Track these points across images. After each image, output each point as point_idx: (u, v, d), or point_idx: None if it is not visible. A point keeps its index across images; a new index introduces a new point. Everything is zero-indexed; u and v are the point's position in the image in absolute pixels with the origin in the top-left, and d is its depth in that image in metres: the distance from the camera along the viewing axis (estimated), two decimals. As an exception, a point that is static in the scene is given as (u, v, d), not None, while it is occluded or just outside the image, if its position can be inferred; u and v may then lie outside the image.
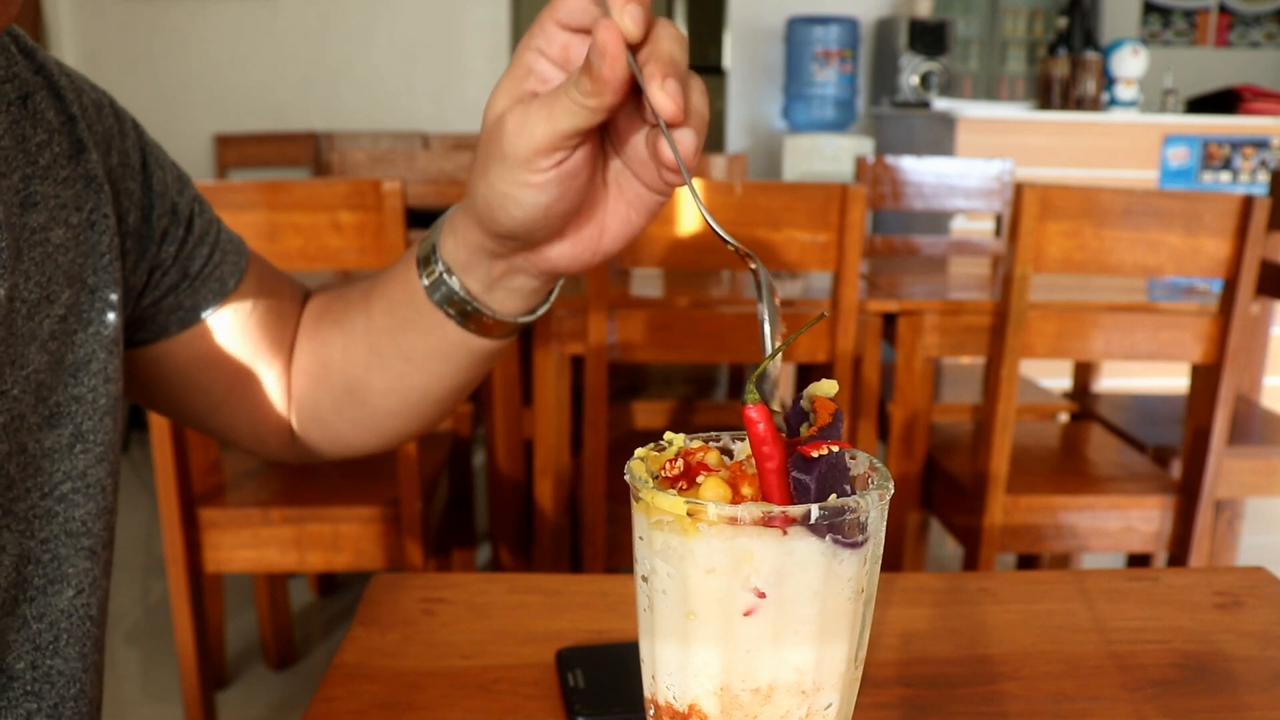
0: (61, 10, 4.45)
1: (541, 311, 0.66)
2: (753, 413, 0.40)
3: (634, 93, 0.48)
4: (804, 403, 0.42)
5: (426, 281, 0.63)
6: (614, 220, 0.57)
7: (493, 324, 0.64)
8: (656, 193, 0.55)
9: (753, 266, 0.45)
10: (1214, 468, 1.76)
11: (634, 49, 0.47)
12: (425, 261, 0.63)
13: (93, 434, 0.61)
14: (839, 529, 0.38)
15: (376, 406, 0.72)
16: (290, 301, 0.76)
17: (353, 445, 0.76)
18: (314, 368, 0.73)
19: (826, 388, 0.42)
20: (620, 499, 1.78)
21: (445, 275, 0.62)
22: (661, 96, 0.46)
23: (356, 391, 0.71)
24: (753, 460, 0.40)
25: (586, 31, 0.50)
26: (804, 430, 0.41)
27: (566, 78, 0.49)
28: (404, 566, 1.76)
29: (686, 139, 0.47)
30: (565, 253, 0.58)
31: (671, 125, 0.47)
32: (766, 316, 0.45)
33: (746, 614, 0.38)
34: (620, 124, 0.53)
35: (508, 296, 0.63)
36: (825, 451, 0.39)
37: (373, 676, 0.66)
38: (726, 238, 0.46)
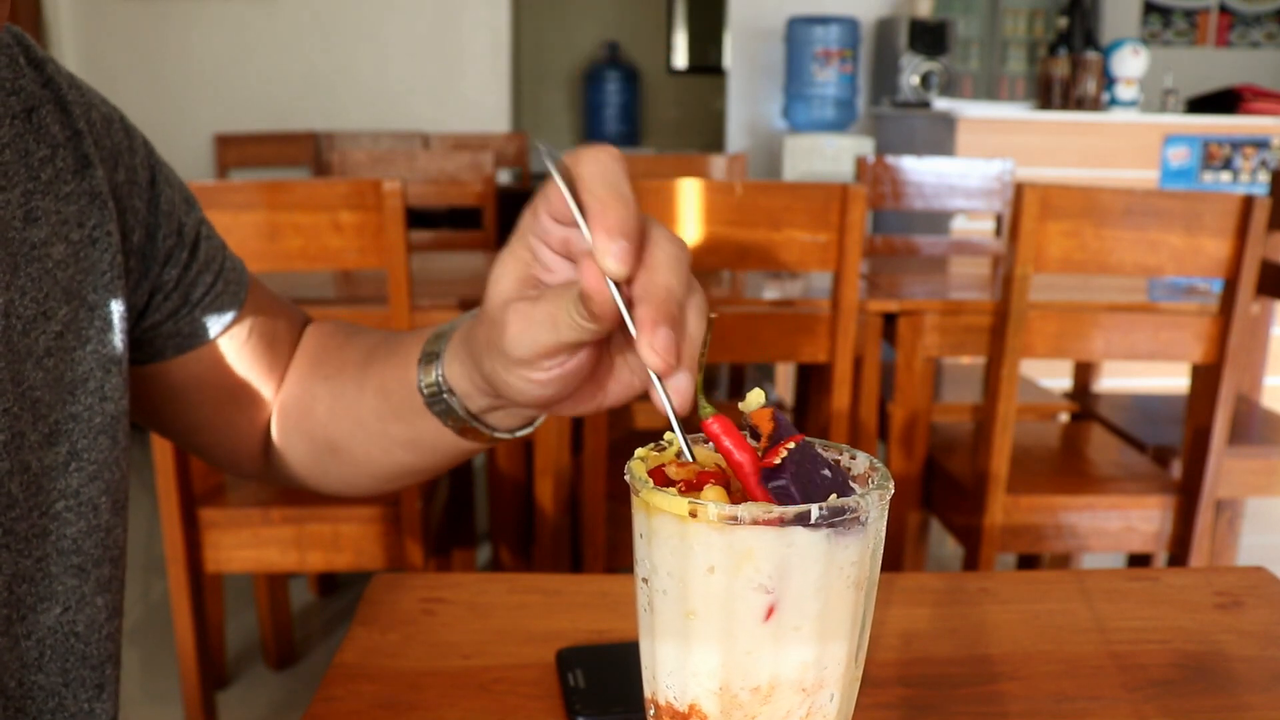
0: (61, 10, 4.45)
1: (538, 424, 0.65)
2: (714, 426, 0.40)
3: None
4: (744, 423, 0.42)
5: (425, 390, 0.62)
6: (615, 385, 0.55)
7: (487, 437, 0.64)
8: None
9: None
10: (1214, 468, 1.76)
11: (626, 280, 0.44)
12: (426, 365, 0.62)
13: (87, 452, 0.60)
14: (839, 527, 0.38)
15: (354, 468, 0.71)
16: (287, 329, 0.75)
17: (324, 489, 0.76)
18: (298, 413, 0.73)
19: (755, 399, 0.43)
20: (620, 499, 1.78)
21: (446, 394, 0.61)
22: (649, 354, 0.42)
23: (336, 450, 0.71)
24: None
25: None
26: (758, 447, 0.41)
27: (567, 289, 0.47)
28: (404, 566, 1.76)
29: (680, 387, 0.44)
30: (566, 407, 0.57)
31: (663, 376, 0.44)
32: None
33: (767, 617, 0.38)
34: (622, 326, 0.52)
35: (505, 417, 0.62)
36: (785, 453, 0.39)
37: (373, 676, 0.66)
38: (689, 453, 0.43)
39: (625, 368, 0.55)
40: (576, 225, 0.46)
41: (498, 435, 0.63)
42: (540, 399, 0.53)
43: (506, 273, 0.51)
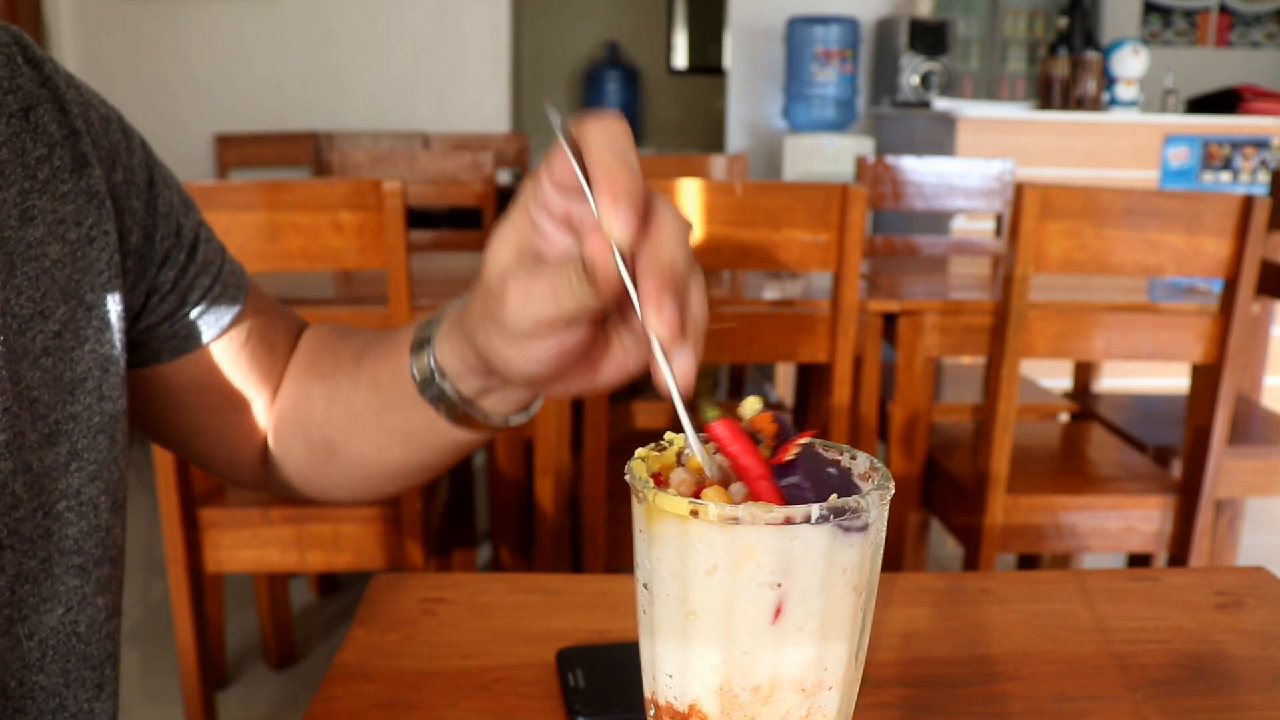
0: (62, 10, 4.45)
1: (533, 411, 0.64)
2: (719, 429, 0.40)
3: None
4: (746, 429, 0.42)
5: (418, 376, 0.61)
6: (610, 365, 0.55)
7: (482, 423, 0.63)
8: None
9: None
10: (1214, 468, 1.76)
11: (629, 251, 0.44)
12: (418, 351, 0.61)
13: (88, 452, 0.60)
14: (840, 526, 0.38)
15: (351, 469, 0.71)
16: (284, 335, 0.75)
17: (323, 493, 0.75)
18: (294, 416, 0.72)
19: (752, 405, 0.43)
20: (620, 499, 1.78)
21: (438, 378, 0.61)
22: (656, 322, 0.42)
23: (332, 451, 0.70)
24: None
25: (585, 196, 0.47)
26: (763, 448, 0.41)
27: (569, 260, 0.47)
28: (404, 566, 1.76)
29: (683, 362, 0.44)
30: (558, 386, 0.56)
31: (667, 347, 0.44)
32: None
33: (776, 617, 0.38)
34: (623, 299, 0.51)
35: (499, 402, 0.62)
36: (798, 449, 0.39)
37: (373, 676, 0.66)
38: (699, 454, 0.42)
39: (620, 348, 0.54)
40: (580, 194, 0.46)
41: (491, 421, 0.63)
42: (535, 375, 0.52)
43: (505, 243, 0.50)
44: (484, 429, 0.64)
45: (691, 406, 0.43)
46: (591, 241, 0.43)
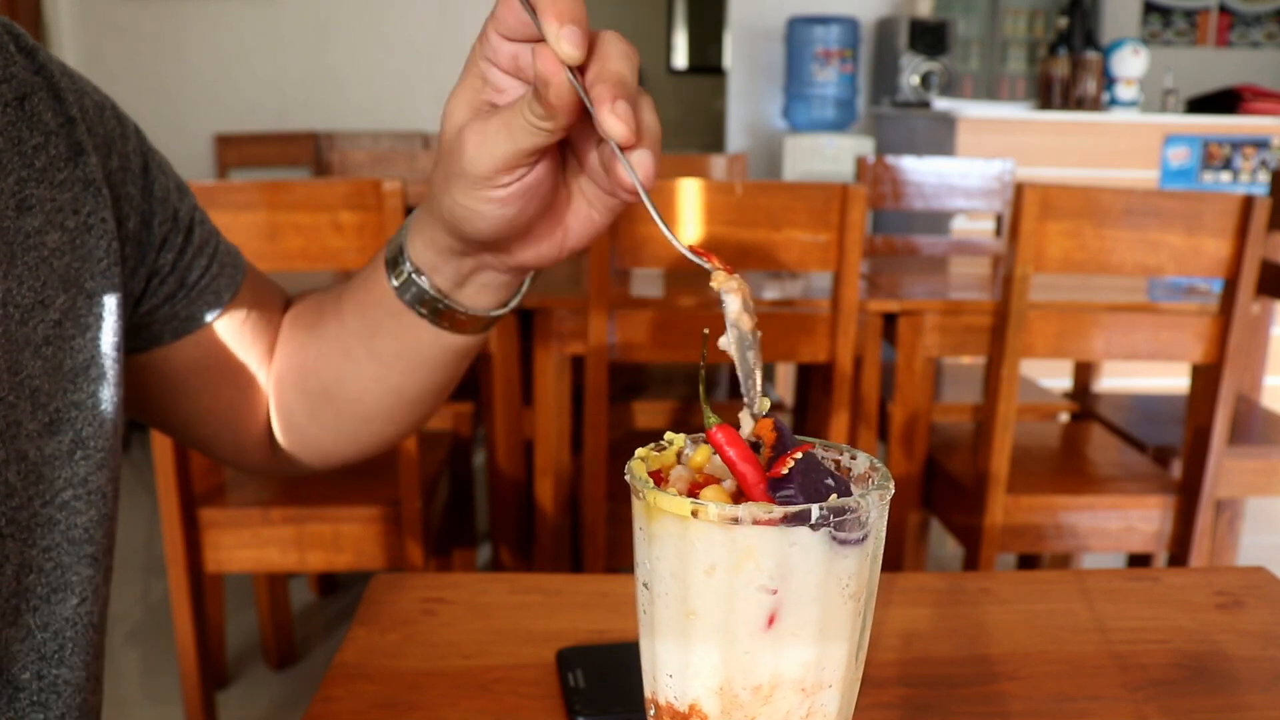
0: (62, 10, 4.45)
1: (514, 304, 0.65)
2: (718, 436, 0.41)
3: (588, 108, 0.48)
4: (746, 437, 0.42)
5: (396, 282, 0.63)
6: (577, 221, 0.57)
7: (465, 320, 0.64)
8: (616, 197, 0.55)
9: (713, 286, 0.44)
10: (1214, 468, 1.76)
11: (579, 69, 0.46)
12: (394, 263, 0.63)
13: (93, 440, 0.60)
14: (840, 527, 0.38)
15: (352, 411, 0.71)
16: (275, 309, 0.76)
17: (330, 454, 0.76)
18: (290, 374, 0.73)
19: (762, 406, 0.43)
20: (620, 499, 1.78)
21: (414, 275, 0.62)
22: (612, 121, 0.44)
23: (332, 396, 0.71)
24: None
25: (533, 39, 0.49)
26: (763, 458, 0.41)
27: (521, 96, 0.49)
28: (404, 566, 1.76)
29: (643, 160, 0.46)
30: (530, 252, 0.58)
31: (625, 148, 0.46)
32: (733, 339, 0.43)
33: (769, 624, 0.38)
34: (576, 135, 0.53)
35: (478, 292, 0.63)
36: (792, 463, 0.39)
37: (373, 676, 0.66)
38: (688, 253, 0.44)
39: (583, 199, 0.56)
40: (525, 39, 0.48)
41: (474, 313, 0.64)
42: (503, 222, 0.53)
43: (459, 103, 0.52)
44: (468, 327, 0.65)
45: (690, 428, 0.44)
46: (542, 58, 0.45)
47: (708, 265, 0.44)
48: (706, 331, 0.45)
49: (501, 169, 0.50)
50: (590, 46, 0.46)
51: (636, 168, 0.46)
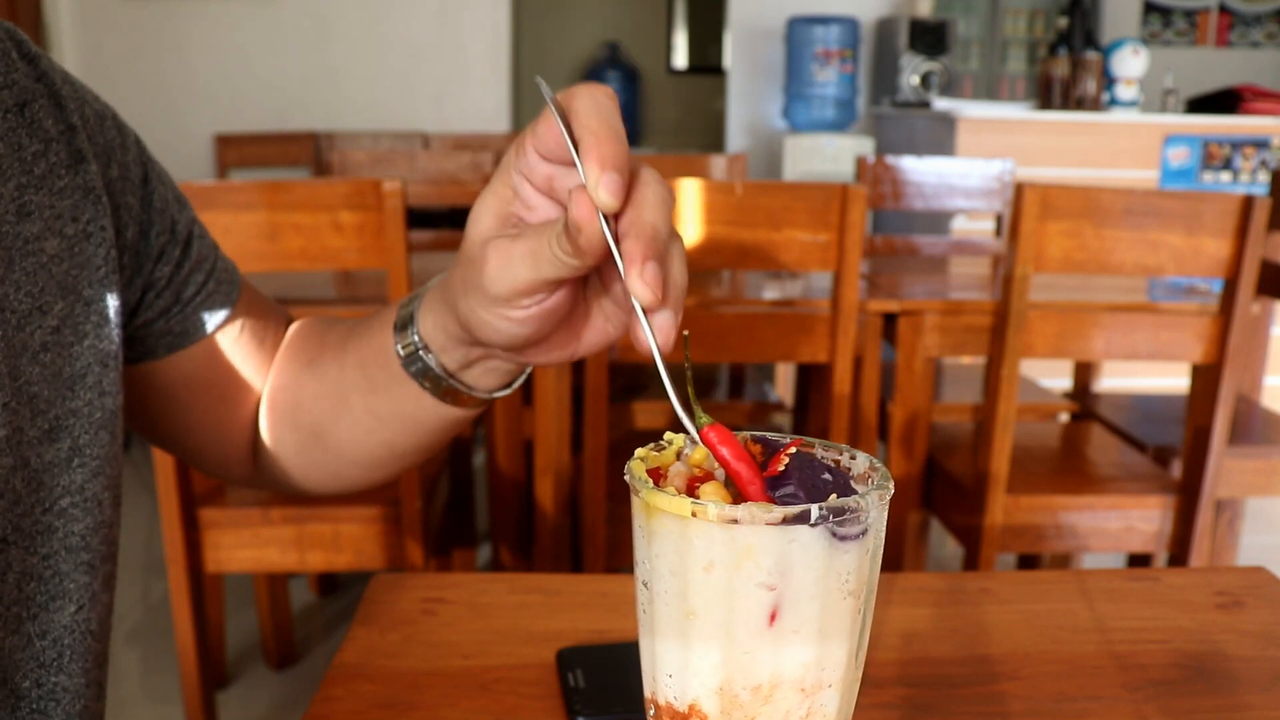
0: (62, 11, 4.45)
1: (517, 385, 0.65)
2: (711, 435, 0.41)
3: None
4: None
5: (402, 352, 0.62)
6: (590, 332, 0.56)
7: (467, 398, 0.63)
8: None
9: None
10: (1214, 468, 1.76)
11: (613, 216, 0.45)
12: (402, 328, 0.62)
13: (90, 448, 0.60)
14: (839, 526, 0.38)
15: (340, 455, 0.71)
16: (273, 329, 0.75)
17: (313, 485, 0.76)
18: (283, 405, 0.73)
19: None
20: (620, 499, 1.78)
21: (421, 352, 0.61)
22: (639, 285, 0.43)
23: (322, 437, 0.71)
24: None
25: (570, 164, 0.48)
26: (757, 462, 0.42)
27: (550, 225, 0.47)
28: (404, 566, 1.76)
29: (664, 324, 0.45)
30: (541, 355, 0.57)
31: (649, 311, 0.45)
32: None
33: (771, 622, 0.38)
34: (603, 265, 0.52)
35: (483, 375, 0.62)
36: (787, 459, 0.39)
37: (373, 676, 0.66)
38: (689, 427, 0.43)
39: (600, 314, 0.55)
40: (563, 163, 0.47)
41: (477, 395, 0.63)
42: (517, 338, 0.53)
43: (487, 210, 0.51)
44: (469, 404, 0.64)
45: (682, 388, 0.44)
46: (578, 204, 0.44)
47: (694, 436, 0.42)
48: (686, 333, 0.45)
49: (522, 293, 0.50)
50: (629, 184, 0.45)
51: (657, 332, 0.45)
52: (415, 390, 0.63)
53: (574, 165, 0.46)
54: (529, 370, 0.65)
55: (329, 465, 0.72)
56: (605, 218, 0.44)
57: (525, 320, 0.51)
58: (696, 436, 0.42)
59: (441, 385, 0.62)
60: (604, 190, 0.43)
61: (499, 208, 0.51)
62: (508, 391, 0.64)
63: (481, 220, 0.51)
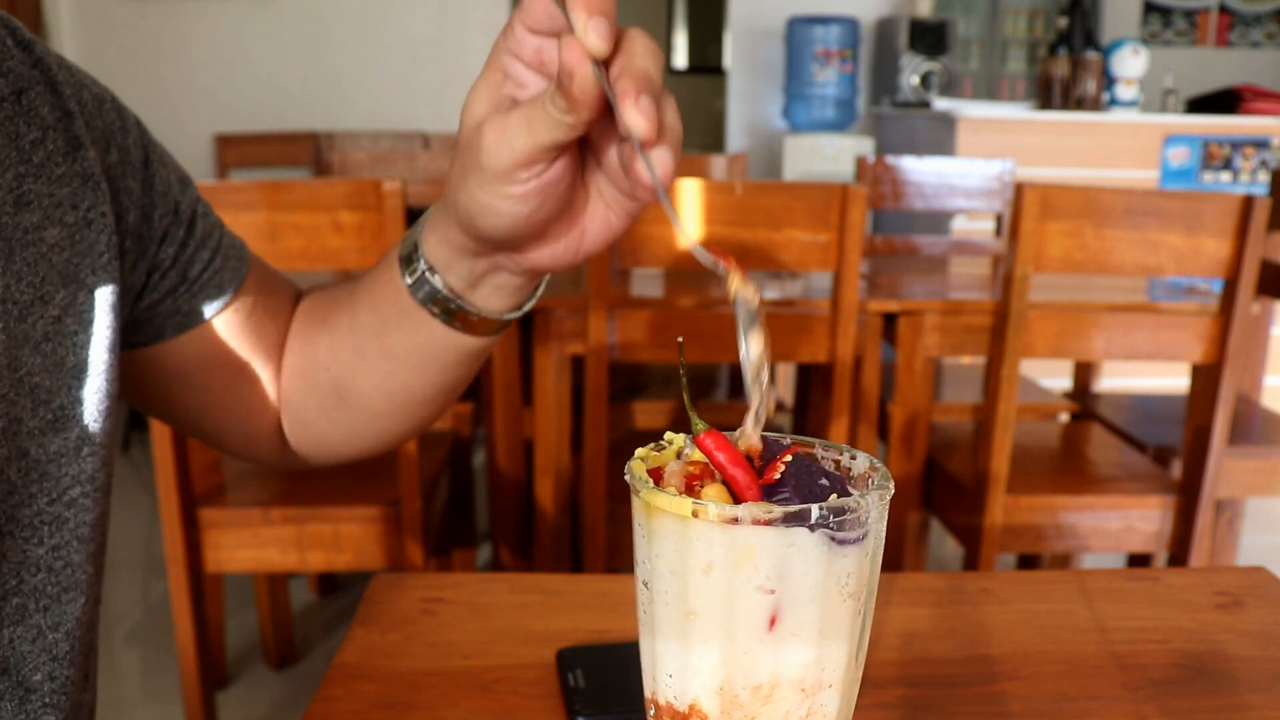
0: (62, 10, 4.45)
1: (527, 308, 0.65)
2: (707, 441, 0.40)
3: (610, 105, 0.47)
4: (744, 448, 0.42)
5: (409, 280, 0.62)
6: (594, 223, 0.56)
7: (477, 321, 0.63)
8: (634, 200, 0.54)
9: (731, 290, 0.43)
10: (1214, 468, 1.76)
11: (604, 63, 0.45)
12: (407, 260, 0.62)
13: (98, 436, 0.60)
14: (839, 527, 0.38)
15: (363, 408, 0.71)
16: (285, 303, 0.75)
17: (340, 450, 0.75)
18: (301, 368, 0.73)
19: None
20: (620, 499, 1.78)
21: (428, 274, 0.61)
22: (635, 116, 0.44)
23: (342, 392, 0.70)
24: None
25: (558, 34, 0.48)
26: (755, 467, 0.41)
27: (543, 91, 0.48)
28: (404, 566, 1.76)
29: (663, 158, 0.45)
30: (546, 253, 0.57)
31: (646, 145, 0.45)
32: (742, 331, 0.42)
33: (771, 627, 0.38)
34: (596, 134, 0.52)
35: (491, 294, 0.62)
36: (783, 466, 0.39)
37: (373, 676, 0.66)
38: (704, 258, 0.44)
39: (600, 203, 0.55)
40: (551, 34, 0.48)
41: (486, 316, 0.63)
42: (519, 219, 0.53)
43: (479, 96, 0.51)
44: (481, 329, 0.64)
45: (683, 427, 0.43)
46: (568, 47, 0.44)
47: (721, 269, 0.43)
48: (680, 340, 0.45)
49: (520, 164, 0.50)
50: (616, 42, 0.45)
51: (656, 166, 0.45)
52: (425, 319, 0.63)
53: (563, 35, 0.46)
54: (539, 291, 0.65)
55: (354, 423, 0.72)
56: (597, 65, 0.44)
57: (525, 195, 0.51)
58: (699, 250, 0.43)
59: (450, 308, 0.62)
60: (592, 33, 0.44)
61: (490, 92, 0.51)
62: (519, 313, 0.64)
63: (475, 106, 0.51)
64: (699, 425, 0.41)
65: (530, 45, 0.50)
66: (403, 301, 0.63)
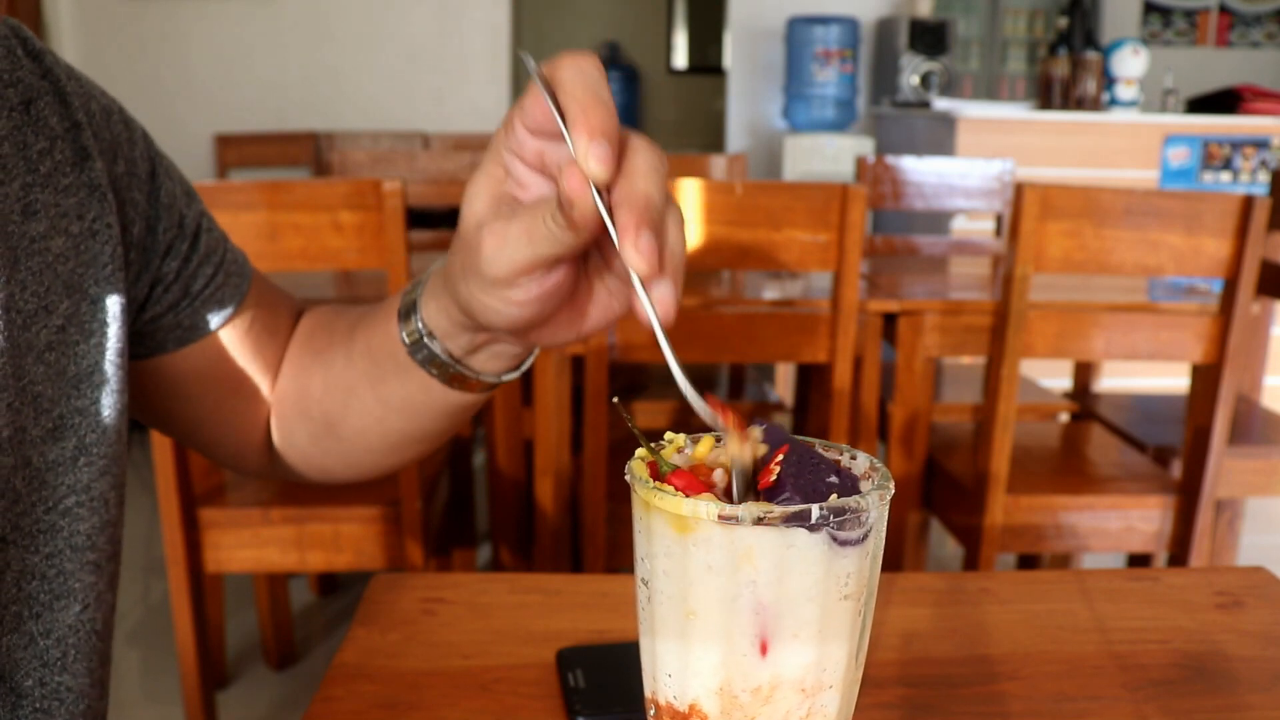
0: (62, 10, 4.45)
1: (525, 368, 0.64)
2: (677, 483, 0.40)
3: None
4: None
5: (408, 340, 0.62)
6: (595, 309, 0.55)
7: (475, 382, 0.63)
8: None
9: (730, 452, 0.41)
10: (1214, 468, 1.76)
11: (605, 187, 0.44)
12: (406, 316, 0.62)
13: (96, 447, 0.60)
14: (839, 527, 0.38)
15: (353, 443, 0.71)
16: (284, 319, 0.75)
17: (329, 473, 0.75)
18: (294, 395, 0.72)
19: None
20: (620, 499, 1.78)
21: (426, 339, 0.61)
22: (634, 255, 0.42)
23: (333, 426, 0.70)
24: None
25: (558, 136, 0.47)
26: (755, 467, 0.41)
27: (544, 201, 0.47)
28: (404, 566, 1.76)
29: (664, 296, 0.44)
30: (546, 335, 0.56)
31: (646, 281, 0.44)
32: (737, 493, 0.40)
33: (763, 654, 0.38)
34: (602, 239, 0.51)
35: (490, 359, 0.62)
36: (778, 468, 0.39)
37: (373, 676, 0.66)
38: (704, 413, 0.42)
39: (603, 290, 0.54)
40: (552, 136, 0.47)
41: (484, 379, 0.63)
42: (519, 320, 0.52)
43: (479, 193, 0.51)
44: (478, 389, 0.64)
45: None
46: (569, 177, 0.43)
47: (720, 425, 0.41)
48: (615, 400, 0.45)
49: (520, 274, 0.49)
50: (619, 153, 0.44)
51: (656, 304, 0.44)
52: (423, 377, 0.63)
53: (564, 139, 0.45)
54: (537, 350, 0.64)
55: (344, 453, 0.72)
56: (597, 189, 0.44)
57: (526, 302, 0.51)
58: (699, 404, 0.42)
59: (449, 371, 0.62)
60: (593, 160, 0.43)
61: (492, 188, 0.51)
62: (516, 374, 0.64)
63: (475, 202, 0.51)
64: (665, 466, 0.41)
65: (531, 147, 0.49)
66: (399, 357, 0.63)
